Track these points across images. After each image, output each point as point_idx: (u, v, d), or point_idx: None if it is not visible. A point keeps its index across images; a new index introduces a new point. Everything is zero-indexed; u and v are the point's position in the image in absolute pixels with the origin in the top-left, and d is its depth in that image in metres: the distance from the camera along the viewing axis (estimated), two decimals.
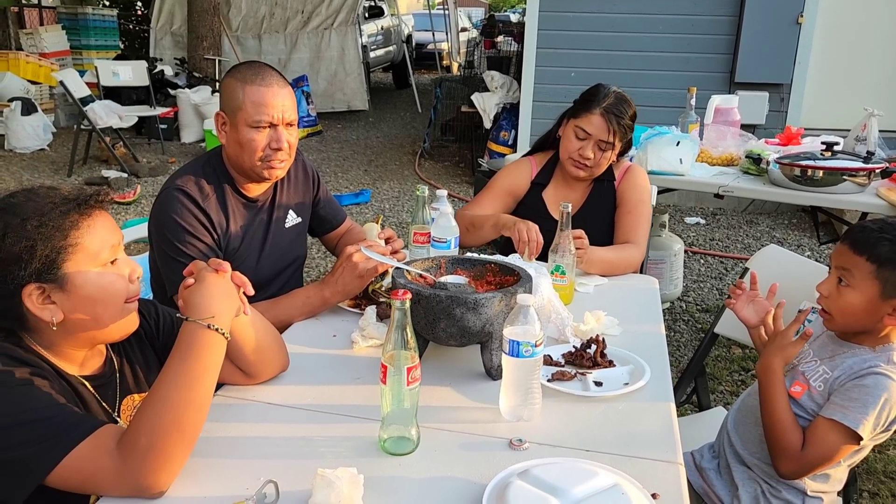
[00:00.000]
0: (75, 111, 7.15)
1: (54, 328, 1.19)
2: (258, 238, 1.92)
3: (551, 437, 1.30)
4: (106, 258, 1.22)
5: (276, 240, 1.96)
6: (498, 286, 1.62)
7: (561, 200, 2.32)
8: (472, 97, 6.83)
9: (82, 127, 6.76)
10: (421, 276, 1.61)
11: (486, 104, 6.67)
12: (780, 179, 2.99)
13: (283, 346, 1.51)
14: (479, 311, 1.43)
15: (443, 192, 2.10)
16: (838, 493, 1.60)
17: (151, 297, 2.13)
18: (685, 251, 4.85)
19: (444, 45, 16.39)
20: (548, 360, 1.58)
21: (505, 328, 1.33)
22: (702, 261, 4.82)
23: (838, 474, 1.55)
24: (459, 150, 7.89)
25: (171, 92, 8.55)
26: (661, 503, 1.12)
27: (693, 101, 3.51)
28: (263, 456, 1.23)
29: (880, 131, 5.74)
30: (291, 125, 1.81)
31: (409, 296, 1.20)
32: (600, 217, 2.29)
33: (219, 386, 1.44)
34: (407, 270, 1.59)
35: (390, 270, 1.74)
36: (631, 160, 3.35)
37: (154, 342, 1.43)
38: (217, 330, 1.18)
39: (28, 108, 7.67)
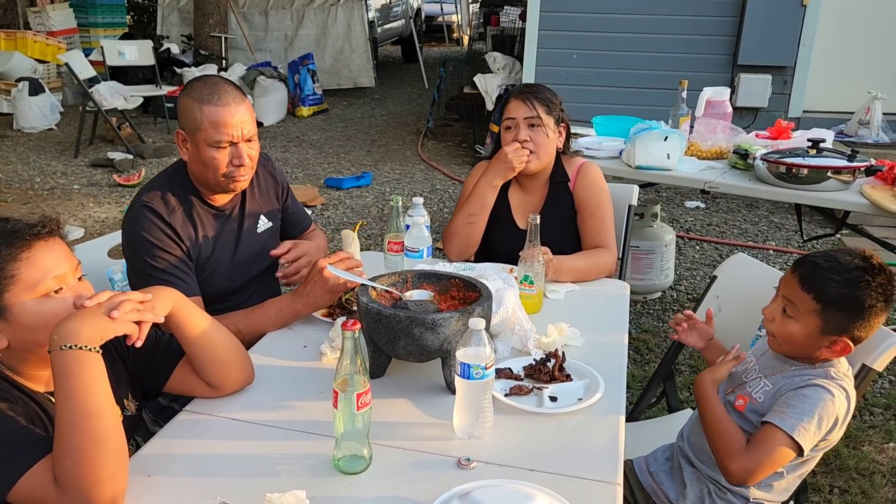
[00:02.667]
0: (82, 90, 7.21)
1: None
2: (229, 245, 1.97)
3: (499, 456, 1.36)
4: (48, 287, 1.25)
5: (248, 246, 2.01)
6: (461, 301, 1.67)
7: (521, 205, 2.38)
8: (475, 79, 6.82)
9: (88, 108, 6.83)
10: (387, 291, 1.67)
11: (489, 86, 6.67)
12: (765, 176, 3.00)
13: (248, 360, 1.57)
14: (436, 331, 1.49)
15: (419, 200, 2.15)
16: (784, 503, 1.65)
17: None
18: (681, 238, 4.88)
19: (454, 18, 16.27)
20: (507, 374, 1.64)
21: (458, 350, 1.39)
22: (696, 247, 4.84)
23: (782, 484, 1.60)
24: (463, 130, 7.89)
25: (178, 70, 8.57)
26: None
27: (685, 95, 3.51)
28: (222, 474, 1.29)
29: (884, 114, 5.67)
30: (251, 140, 1.85)
31: (358, 326, 1.26)
32: (561, 220, 2.31)
33: (186, 401, 1.52)
34: (372, 287, 1.65)
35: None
36: (620, 154, 3.38)
37: (125, 358, 1.50)
38: (71, 347, 1.19)
39: (35, 88, 7.75)
